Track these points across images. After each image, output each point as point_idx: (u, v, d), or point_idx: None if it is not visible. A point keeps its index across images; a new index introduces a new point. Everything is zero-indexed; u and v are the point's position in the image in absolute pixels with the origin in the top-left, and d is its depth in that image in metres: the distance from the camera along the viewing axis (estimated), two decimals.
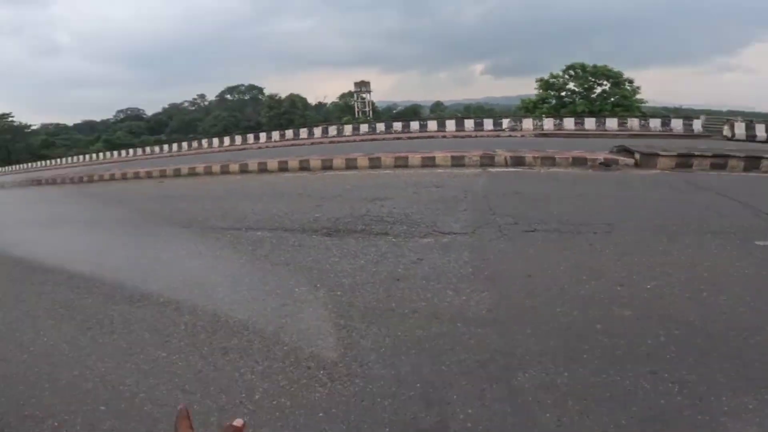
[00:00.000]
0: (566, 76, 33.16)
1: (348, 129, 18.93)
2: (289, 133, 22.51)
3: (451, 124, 17.91)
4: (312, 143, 17.42)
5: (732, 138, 14.54)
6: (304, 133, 21.26)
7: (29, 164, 37.08)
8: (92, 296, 3.55)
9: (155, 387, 2.27)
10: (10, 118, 53.03)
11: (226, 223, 5.48)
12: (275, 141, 21.72)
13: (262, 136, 24.03)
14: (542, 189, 6.27)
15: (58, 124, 62.51)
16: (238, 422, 0.50)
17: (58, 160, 35.30)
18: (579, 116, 17.62)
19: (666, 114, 20.19)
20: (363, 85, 53.68)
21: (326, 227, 4.85)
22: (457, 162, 7.72)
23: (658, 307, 2.99)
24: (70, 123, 65.34)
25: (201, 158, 14.56)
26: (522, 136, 16.12)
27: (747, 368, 2.22)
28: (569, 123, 16.90)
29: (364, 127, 19.37)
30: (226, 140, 24.73)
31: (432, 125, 18.02)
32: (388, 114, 52.41)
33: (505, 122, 18.72)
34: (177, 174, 10.86)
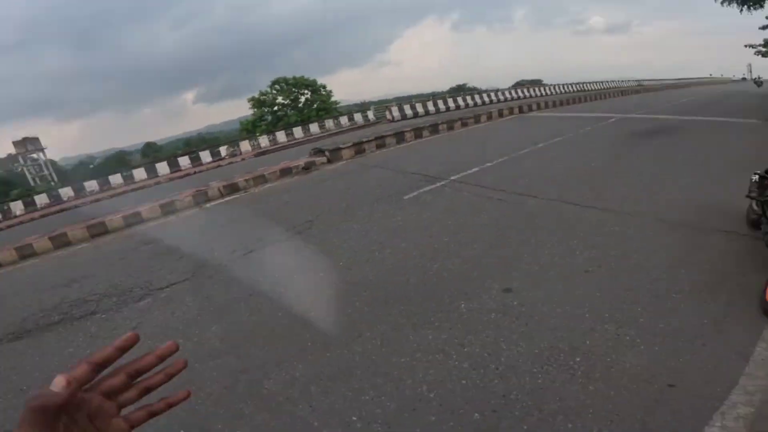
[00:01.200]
0: (273, 91, 35.72)
1: (18, 206, 14.26)
2: None
3: (163, 167, 16.35)
4: None
5: (393, 120, 19.40)
6: None
7: None
8: None
9: None
10: None
11: None
12: None
13: None
14: (256, 209, 6.76)
15: None
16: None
17: None
18: (288, 128, 19.52)
19: (356, 110, 24.98)
20: (29, 143, 41.55)
21: (11, 332, 3.84)
22: (168, 209, 7.26)
23: (347, 275, 3.88)
24: None
25: None
26: (243, 159, 16.51)
27: (411, 305, 3.17)
28: (281, 136, 18.50)
29: (41, 198, 15.07)
30: None
31: (140, 173, 15.96)
32: (82, 171, 42.70)
33: (223, 150, 18.65)
34: None
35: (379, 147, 10.38)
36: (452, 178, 6.54)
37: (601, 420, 1.96)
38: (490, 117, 14.63)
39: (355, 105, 45.87)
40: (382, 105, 25.51)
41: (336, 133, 18.16)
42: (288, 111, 35.31)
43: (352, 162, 9.15)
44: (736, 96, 20.76)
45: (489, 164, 7.17)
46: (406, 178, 6.95)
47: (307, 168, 8.80)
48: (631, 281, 3.12)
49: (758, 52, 28.40)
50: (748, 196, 3.58)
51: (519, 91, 29.17)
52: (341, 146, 9.64)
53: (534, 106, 18.21)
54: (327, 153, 9.38)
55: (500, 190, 5.65)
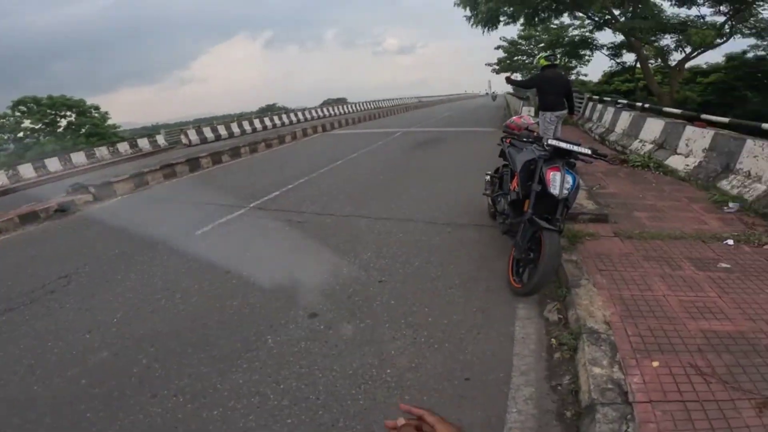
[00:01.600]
0: (17, 114, 27.29)
1: None
2: None
3: None
4: None
5: (191, 144, 17.40)
6: None
7: None
8: None
9: None
10: None
11: None
12: None
13: None
14: None
15: None
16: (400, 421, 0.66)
17: None
18: (38, 159, 15.03)
19: (144, 134, 21.27)
20: None
21: None
22: None
23: (126, 331, 3.07)
24: None
25: None
26: None
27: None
28: (28, 170, 14.09)
29: None
30: None
31: None
32: None
33: None
34: None
35: (168, 177, 9.01)
36: (252, 204, 6.13)
37: None
38: (294, 137, 14.72)
39: (143, 128, 39.69)
40: (176, 128, 22.64)
41: (112, 164, 15.07)
42: (41, 137, 27.70)
43: (131, 197, 7.62)
44: (481, 109, 26.92)
45: (290, 186, 7.06)
46: (198, 211, 6.15)
47: (63, 210, 6.86)
48: (416, 285, 3.42)
49: (494, 70, 37.55)
50: (484, 194, 4.48)
51: (326, 109, 30.69)
52: (114, 179, 7.92)
53: (337, 124, 19.34)
54: (92, 189, 7.56)
55: (300, 212, 5.58)
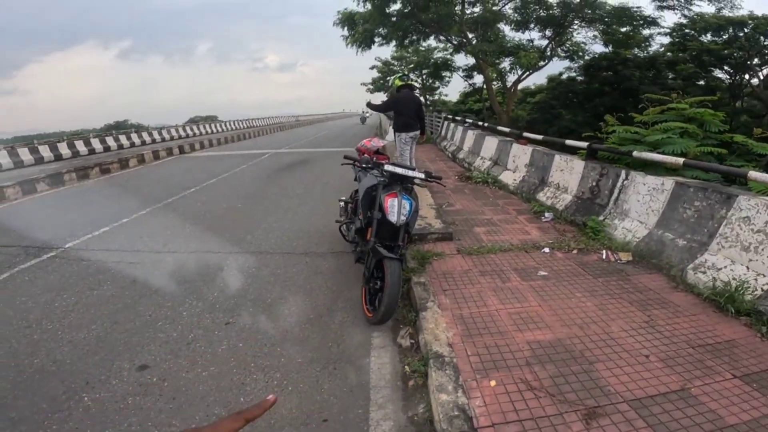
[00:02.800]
0: None
1: None
2: None
3: None
4: None
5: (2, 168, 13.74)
6: None
7: None
8: None
9: None
10: None
11: None
12: None
13: None
14: None
15: None
16: (270, 398, 0.64)
17: None
18: None
19: None
20: None
21: None
22: None
23: None
24: None
25: None
26: None
27: None
28: None
29: None
30: None
31: None
32: None
33: None
34: None
35: None
36: (68, 245, 4.97)
37: None
38: (142, 160, 12.85)
39: None
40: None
41: None
42: None
43: None
44: (353, 128, 27.73)
45: (125, 220, 5.98)
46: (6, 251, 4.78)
47: None
48: (267, 323, 3.14)
49: (368, 89, 38.97)
50: (336, 221, 4.37)
51: (191, 128, 27.80)
52: None
53: (203, 144, 17.61)
54: None
55: (134, 251, 4.71)
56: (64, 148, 16.48)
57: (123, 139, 20.02)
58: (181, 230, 5.44)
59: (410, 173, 3.09)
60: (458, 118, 13.55)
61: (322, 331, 3.02)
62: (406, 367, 2.61)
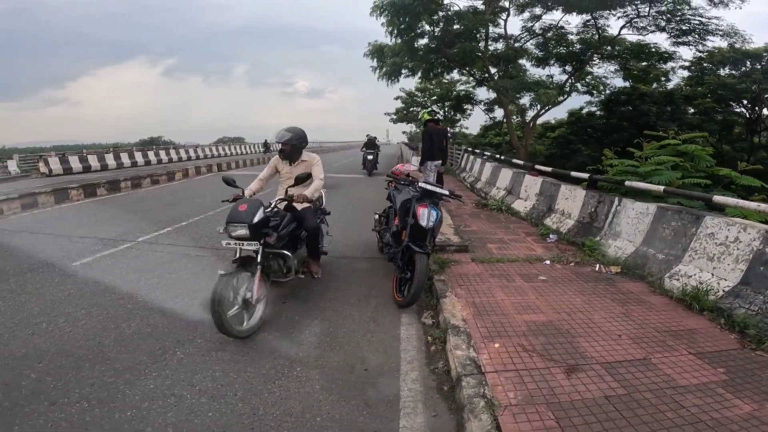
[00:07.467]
0: None
1: None
2: None
3: None
4: None
5: (51, 174, 15.16)
6: None
7: None
8: None
9: None
10: None
11: None
12: None
13: None
14: None
15: None
16: None
17: None
18: None
19: None
20: None
21: None
22: None
23: (3, 351, 3.02)
24: None
25: None
26: None
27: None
28: None
29: None
30: None
31: None
32: None
33: None
34: None
35: (27, 207, 7.96)
36: (140, 239, 5.90)
37: (329, 404, 2.38)
38: (186, 174, 14.12)
39: None
40: (35, 153, 19.39)
41: None
42: None
43: None
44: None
45: (183, 223, 6.94)
46: (73, 244, 5.70)
47: None
48: (319, 302, 3.87)
49: (391, 119, 40.30)
50: (373, 230, 5.21)
51: (220, 148, 29.59)
52: None
53: (238, 164, 18.95)
54: None
55: (198, 247, 5.59)
56: (109, 159, 18.03)
57: (162, 154, 21.69)
58: None
59: (438, 190, 3.92)
60: (477, 150, 14.36)
61: (361, 310, 3.76)
62: (428, 337, 3.33)
